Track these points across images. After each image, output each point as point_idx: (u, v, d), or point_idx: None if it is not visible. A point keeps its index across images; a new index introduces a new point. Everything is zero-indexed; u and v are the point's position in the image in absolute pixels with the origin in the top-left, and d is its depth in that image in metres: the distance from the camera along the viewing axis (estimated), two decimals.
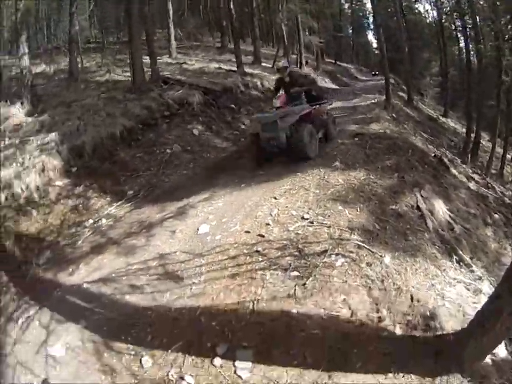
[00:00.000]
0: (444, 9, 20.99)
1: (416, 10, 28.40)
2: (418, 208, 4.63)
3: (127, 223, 5.52)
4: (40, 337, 3.57)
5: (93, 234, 5.52)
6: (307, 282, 3.19)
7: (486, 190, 7.44)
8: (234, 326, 3.05)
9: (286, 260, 3.54)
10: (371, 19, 37.15)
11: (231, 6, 15.56)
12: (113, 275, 4.15)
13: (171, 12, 16.72)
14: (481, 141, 16.11)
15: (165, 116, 8.97)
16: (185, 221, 5.04)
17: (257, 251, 3.77)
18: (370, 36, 43.23)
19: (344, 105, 13.01)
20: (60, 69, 13.61)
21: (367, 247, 3.57)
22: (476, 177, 8.64)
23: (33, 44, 19.39)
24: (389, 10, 23.70)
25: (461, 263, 3.87)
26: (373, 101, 12.68)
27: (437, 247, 4.01)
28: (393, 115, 10.37)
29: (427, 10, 30.33)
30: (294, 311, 3.00)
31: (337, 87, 21.59)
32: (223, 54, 18.42)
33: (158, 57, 12.92)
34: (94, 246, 5.10)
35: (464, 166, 9.52)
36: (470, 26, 17.14)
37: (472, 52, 17.47)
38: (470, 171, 9.11)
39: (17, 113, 8.97)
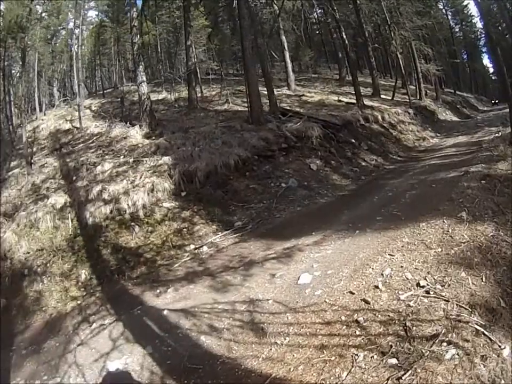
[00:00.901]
0: None
1: None
2: None
3: (228, 256, 5.55)
4: (104, 348, 3.72)
5: (191, 260, 5.73)
6: (403, 377, 2.57)
7: None
8: None
9: (387, 340, 2.96)
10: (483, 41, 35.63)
11: (344, 36, 16.01)
12: (196, 309, 4.14)
13: (286, 44, 17.91)
14: None
15: (282, 148, 9.15)
16: (288, 265, 4.83)
17: (356, 321, 3.29)
18: (486, 60, 41.21)
19: (469, 140, 12.68)
20: (180, 97, 15.41)
21: (487, 333, 2.82)
22: None
23: (155, 73, 22.53)
24: (499, 28, 21.91)
25: None
26: (497, 135, 11.32)
27: None
28: None
29: None
30: None
31: (458, 119, 20.79)
32: (342, 86, 18.84)
33: (277, 89, 13.65)
34: (189, 272, 5.27)
35: None
36: None
37: None
38: None
39: (135, 134, 10.24)
